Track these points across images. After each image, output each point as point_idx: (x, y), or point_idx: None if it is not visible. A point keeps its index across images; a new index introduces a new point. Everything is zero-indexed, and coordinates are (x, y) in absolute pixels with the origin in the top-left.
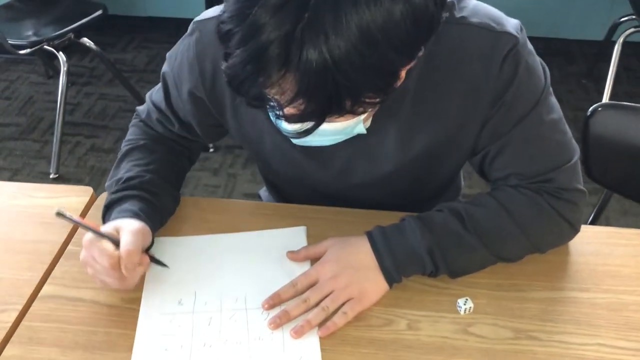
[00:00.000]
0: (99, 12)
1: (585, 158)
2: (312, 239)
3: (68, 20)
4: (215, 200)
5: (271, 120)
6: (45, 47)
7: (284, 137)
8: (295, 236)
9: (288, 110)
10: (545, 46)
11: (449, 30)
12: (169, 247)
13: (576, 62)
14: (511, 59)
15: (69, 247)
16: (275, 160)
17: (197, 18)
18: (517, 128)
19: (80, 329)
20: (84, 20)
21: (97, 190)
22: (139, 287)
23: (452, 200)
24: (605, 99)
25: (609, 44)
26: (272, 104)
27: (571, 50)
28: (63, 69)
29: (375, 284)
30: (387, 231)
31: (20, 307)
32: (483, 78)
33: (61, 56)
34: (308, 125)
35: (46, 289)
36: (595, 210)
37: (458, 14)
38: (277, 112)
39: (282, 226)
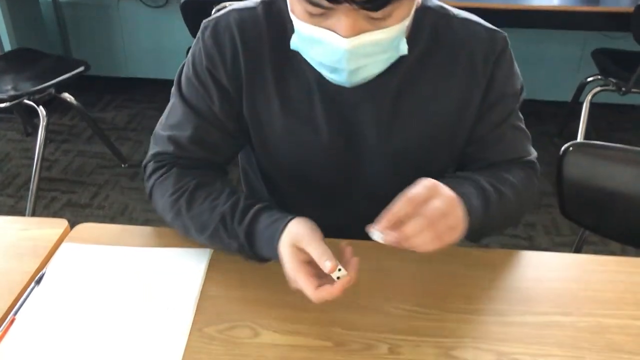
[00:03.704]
0: (81, 68)
1: (560, 197)
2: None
3: (49, 76)
4: None
5: (284, 104)
6: (25, 101)
7: (295, 120)
8: (196, 257)
9: None
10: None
11: (452, 23)
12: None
13: (547, 122)
14: (506, 53)
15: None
16: (284, 145)
17: (205, 20)
18: (508, 120)
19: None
20: (65, 76)
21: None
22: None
23: None
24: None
25: (576, 104)
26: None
27: (542, 111)
28: (42, 123)
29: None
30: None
31: None
32: (482, 66)
33: (41, 110)
34: (363, 38)
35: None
36: (575, 244)
37: (458, 15)
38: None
39: None
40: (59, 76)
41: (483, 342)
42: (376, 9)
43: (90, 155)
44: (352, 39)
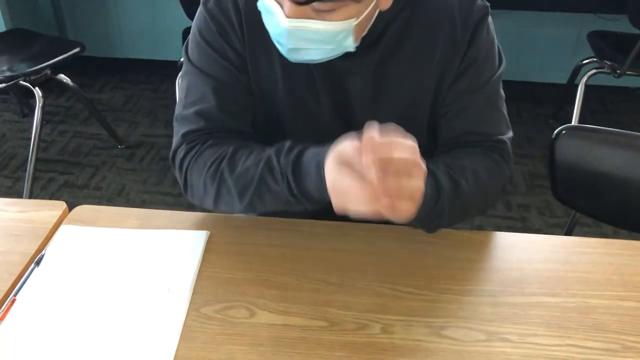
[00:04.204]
0: (77, 49)
1: (552, 180)
2: (288, 249)
3: (45, 57)
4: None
5: (285, 63)
6: (22, 82)
7: (297, 88)
8: (193, 239)
9: None
10: (514, 89)
11: None
12: (78, 236)
13: (543, 104)
14: (484, 22)
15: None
16: (285, 105)
17: None
18: (483, 90)
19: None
20: (61, 57)
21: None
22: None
23: None
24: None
25: (572, 86)
26: None
27: (538, 93)
28: (39, 104)
29: None
30: None
31: None
32: (460, 32)
33: (37, 91)
34: (304, 23)
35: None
36: (567, 226)
37: None
38: None
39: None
40: (55, 57)
41: (473, 322)
42: (323, 11)
43: (86, 136)
44: (293, 20)
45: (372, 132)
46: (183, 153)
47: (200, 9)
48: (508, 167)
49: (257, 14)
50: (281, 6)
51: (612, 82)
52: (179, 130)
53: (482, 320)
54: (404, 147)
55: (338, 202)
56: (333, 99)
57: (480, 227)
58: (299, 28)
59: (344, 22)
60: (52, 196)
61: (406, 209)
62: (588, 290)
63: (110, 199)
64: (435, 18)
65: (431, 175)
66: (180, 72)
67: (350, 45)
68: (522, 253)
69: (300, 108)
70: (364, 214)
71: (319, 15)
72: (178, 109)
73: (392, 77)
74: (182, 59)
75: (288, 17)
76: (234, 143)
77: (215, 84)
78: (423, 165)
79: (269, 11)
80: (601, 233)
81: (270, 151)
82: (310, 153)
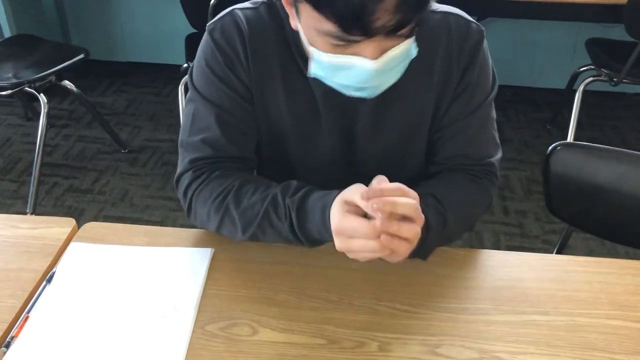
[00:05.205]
0: (81, 56)
1: (546, 194)
2: (289, 266)
3: (49, 63)
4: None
5: (290, 92)
6: (26, 89)
7: (301, 118)
8: (198, 257)
9: (391, 22)
10: (513, 94)
11: (430, 17)
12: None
13: (541, 109)
14: (480, 46)
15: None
16: (289, 132)
17: (209, 23)
18: (475, 114)
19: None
20: (65, 64)
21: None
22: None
23: None
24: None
25: (570, 92)
26: (375, 30)
27: (536, 98)
28: (44, 110)
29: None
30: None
31: (0, 334)
32: (456, 58)
33: (42, 98)
34: (388, 55)
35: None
36: (559, 242)
37: (437, 9)
38: (385, 27)
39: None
40: (59, 64)
41: (467, 341)
42: (402, 36)
43: (90, 140)
44: (379, 59)
45: (380, 181)
46: (189, 180)
47: (206, 37)
48: (494, 188)
49: (262, 44)
50: (358, 55)
51: (609, 88)
52: (185, 157)
53: (475, 339)
54: (407, 195)
55: (341, 242)
56: (337, 125)
57: (478, 233)
58: (386, 62)
59: (411, 33)
60: (56, 200)
61: (403, 250)
62: (577, 309)
63: (114, 203)
64: (431, 44)
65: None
66: (187, 96)
67: (414, 51)
68: (514, 271)
69: (304, 134)
70: (363, 255)
71: (394, 39)
72: (184, 135)
73: (393, 102)
74: (185, 65)
75: (374, 59)
76: (240, 176)
77: (221, 113)
78: (422, 215)
79: (345, 68)
80: (598, 241)
81: (276, 189)
82: (316, 195)
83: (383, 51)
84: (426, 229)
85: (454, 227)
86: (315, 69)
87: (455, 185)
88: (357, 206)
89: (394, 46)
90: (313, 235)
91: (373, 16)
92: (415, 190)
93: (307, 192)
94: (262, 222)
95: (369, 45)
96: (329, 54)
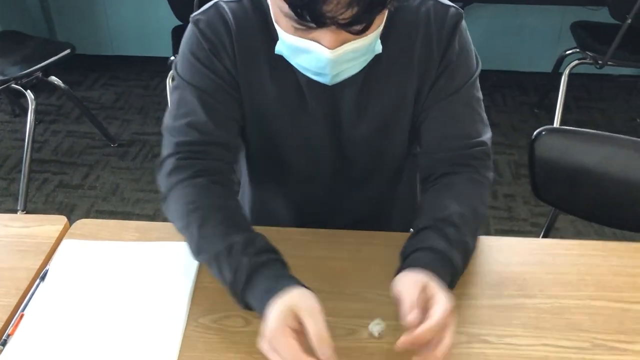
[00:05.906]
0: (67, 51)
1: (532, 179)
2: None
3: (36, 59)
4: None
5: (278, 90)
6: (13, 85)
7: (289, 107)
8: (189, 251)
9: (344, 15)
10: (500, 78)
11: (412, 4)
12: (80, 249)
13: (528, 92)
14: (458, 28)
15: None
16: (277, 119)
17: (193, 15)
18: (459, 93)
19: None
20: (51, 59)
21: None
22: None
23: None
24: (556, 126)
25: (557, 75)
26: (327, 20)
27: (523, 81)
28: (31, 107)
29: None
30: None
31: None
32: (435, 40)
33: (29, 94)
34: (345, 48)
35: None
36: (545, 226)
37: None
38: (336, 19)
39: None
40: (45, 60)
41: (456, 325)
42: (359, 32)
43: (79, 135)
44: (336, 49)
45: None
46: (172, 166)
47: (190, 27)
48: (490, 171)
49: (248, 35)
50: (317, 42)
51: (595, 71)
52: (170, 140)
53: (464, 323)
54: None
55: (265, 346)
56: (323, 112)
57: None
58: (343, 53)
59: (376, 30)
60: (47, 197)
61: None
62: (562, 291)
63: (105, 197)
64: (410, 26)
65: (449, 263)
66: (172, 85)
67: (379, 47)
68: (501, 256)
69: (292, 121)
70: None
71: (353, 33)
72: (168, 120)
73: (376, 85)
74: (172, 57)
75: (331, 48)
76: (220, 197)
77: (206, 97)
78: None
79: (304, 50)
80: (585, 222)
81: (240, 237)
82: (271, 273)
83: (342, 42)
84: (452, 274)
85: (472, 248)
86: (279, 47)
87: (463, 195)
88: (300, 323)
89: (354, 39)
90: (251, 305)
91: (323, 6)
92: (429, 210)
93: (264, 263)
94: (211, 261)
95: (326, 34)
96: (290, 35)
